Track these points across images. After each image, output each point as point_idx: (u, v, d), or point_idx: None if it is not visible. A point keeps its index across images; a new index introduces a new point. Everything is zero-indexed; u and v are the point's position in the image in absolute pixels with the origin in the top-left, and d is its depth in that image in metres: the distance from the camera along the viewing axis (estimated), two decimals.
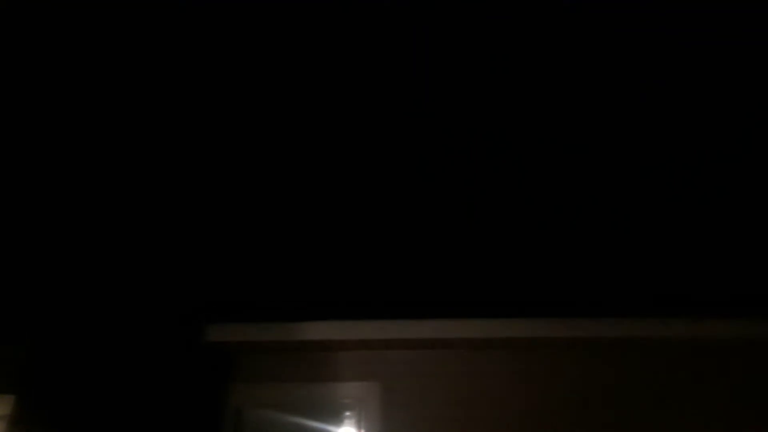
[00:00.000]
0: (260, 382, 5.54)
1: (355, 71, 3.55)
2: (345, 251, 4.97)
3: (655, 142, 3.92)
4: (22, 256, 4.73)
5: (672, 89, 3.59)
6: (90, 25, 3.35)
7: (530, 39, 3.37)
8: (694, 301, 5.44)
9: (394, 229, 4.72)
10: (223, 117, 3.83)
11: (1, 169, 4.02)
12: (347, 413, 5.46)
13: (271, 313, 5.55)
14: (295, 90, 3.68)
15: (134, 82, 3.62)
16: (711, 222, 4.59)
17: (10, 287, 4.76)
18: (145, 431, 4.97)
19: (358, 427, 5.37)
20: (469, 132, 3.89)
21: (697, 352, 5.56)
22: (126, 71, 3.56)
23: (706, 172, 4.13)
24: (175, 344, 5.45)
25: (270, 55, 3.47)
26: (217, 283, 5.31)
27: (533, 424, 5.34)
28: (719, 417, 5.32)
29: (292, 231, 4.75)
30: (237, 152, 4.06)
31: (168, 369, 5.32)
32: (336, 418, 5.47)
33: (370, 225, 4.67)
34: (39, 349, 4.93)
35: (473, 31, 3.33)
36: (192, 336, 5.51)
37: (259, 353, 5.59)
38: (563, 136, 3.92)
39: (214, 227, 4.69)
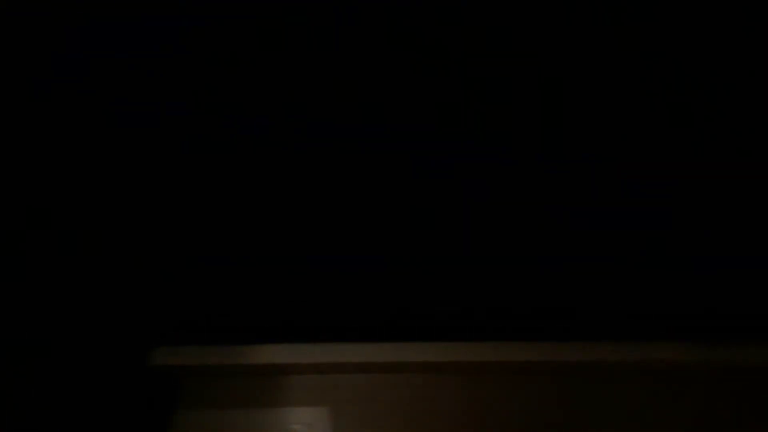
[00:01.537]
0: (207, 408, 5.35)
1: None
2: (295, 271, 4.85)
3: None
4: None
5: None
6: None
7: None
8: (664, 325, 5.35)
9: (346, 249, 4.62)
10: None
11: None
12: None
13: (219, 335, 5.39)
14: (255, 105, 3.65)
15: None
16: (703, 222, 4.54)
17: None
18: None
19: None
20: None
21: (669, 376, 5.45)
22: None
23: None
24: (117, 368, 5.27)
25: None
26: (162, 303, 5.15)
27: None
28: None
29: (241, 250, 4.63)
30: (185, 167, 3.97)
31: (111, 393, 5.13)
32: None
33: (322, 245, 4.57)
34: None
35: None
36: (136, 359, 5.34)
37: (206, 377, 5.40)
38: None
39: (159, 245, 4.56)
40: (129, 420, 5.28)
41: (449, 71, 3.55)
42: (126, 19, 3.33)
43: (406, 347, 5.76)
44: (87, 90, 3.58)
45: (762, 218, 4.48)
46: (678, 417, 5.61)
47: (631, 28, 3.34)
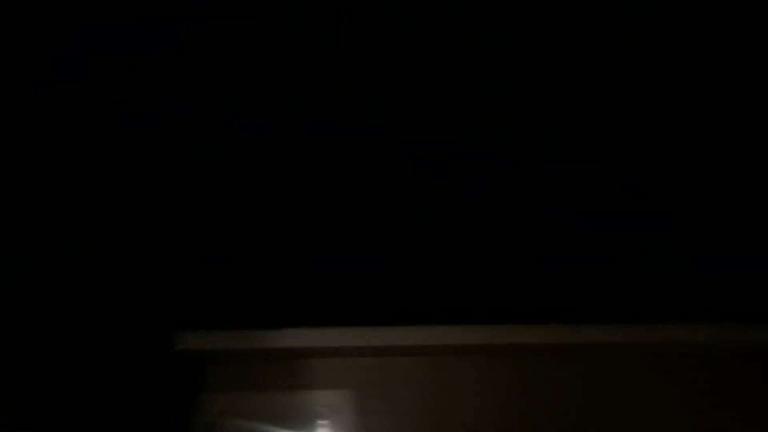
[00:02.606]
0: (232, 391, 5.42)
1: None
2: (319, 257, 4.86)
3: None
4: None
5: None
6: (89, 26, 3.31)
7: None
8: (682, 306, 5.29)
9: (368, 235, 4.61)
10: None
11: None
12: (321, 422, 5.34)
13: (244, 320, 5.44)
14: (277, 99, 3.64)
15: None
16: (701, 225, 4.47)
17: None
18: None
19: None
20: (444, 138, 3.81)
21: (681, 357, 5.41)
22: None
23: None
24: (146, 353, 5.35)
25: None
26: (189, 289, 5.20)
27: (509, 431, 5.21)
28: (711, 424, 5.18)
29: (265, 237, 4.65)
30: (206, 157, 3.98)
31: (138, 378, 5.22)
32: (310, 427, 5.35)
33: (344, 231, 4.57)
34: (3, 361, 4.85)
35: None
36: (163, 344, 5.40)
37: (231, 361, 5.46)
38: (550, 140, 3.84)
39: (186, 234, 4.59)
40: (157, 403, 5.36)
41: (449, 71, 3.50)
42: (126, 19, 3.31)
43: (427, 330, 5.75)
44: (87, 90, 3.58)
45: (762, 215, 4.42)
46: (689, 396, 5.60)
47: (631, 28, 3.25)
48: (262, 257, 4.88)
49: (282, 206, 4.38)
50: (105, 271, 4.94)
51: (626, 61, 3.41)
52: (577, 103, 3.65)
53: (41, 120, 3.75)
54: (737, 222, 4.52)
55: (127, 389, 5.11)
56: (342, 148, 3.95)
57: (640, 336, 5.40)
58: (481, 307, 5.28)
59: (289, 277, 5.08)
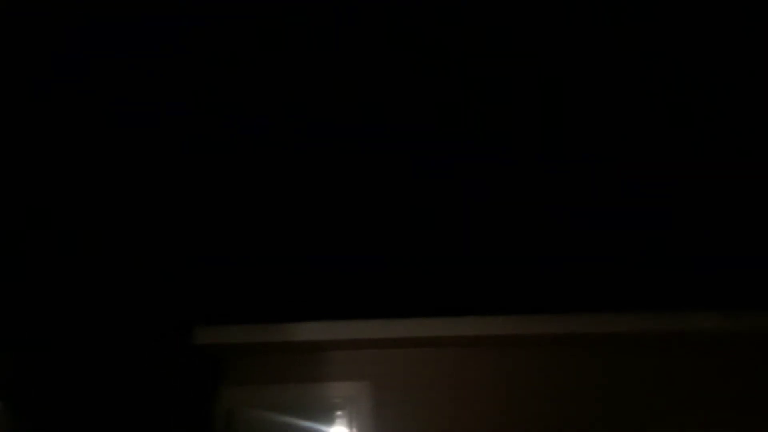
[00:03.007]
0: (251, 384, 5.46)
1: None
2: (334, 252, 4.87)
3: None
4: (9, 262, 4.71)
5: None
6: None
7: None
8: (688, 295, 5.25)
9: (383, 229, 4.62)
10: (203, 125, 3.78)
11: None
12: (338, 413, 5.36)
13: (261, 314, 5.46)
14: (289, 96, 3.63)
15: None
16: (704, 215, 4.43)
17: None
18: None
19: (350, 426, 5.28)
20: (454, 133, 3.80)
21: (693, 346, 5.37)
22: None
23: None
24: (165, 347, 5.39)
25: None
26: (207, 285, 5.24)
27: (524, 421, 5.20)
28: (719, 411, 5.15)
29: (281, 233, 4.66)
30: (221, 155, 4.00)
31: (158, 372, 5.26)
32: (327, 418, 5.37)
33: (360, 226, 4.58)
34: (26, 355, 4.90)
35: None
36: (182, 339, 5.44)
37: (249, 355, 5.49)
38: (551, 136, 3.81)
39: (204, 230, 4.62)
40: (177, 395, 5.41)
41: (449, 71, 3.47)
42: (126, 19, 3.31)
43: (441, 322, 5.73)
44: (87, 90, 3.59)
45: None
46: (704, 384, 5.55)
47: (631, 28, 3.20)
48: (277, 253, 4.89)
49: (294, 203, 4.39)
50: (127, 273, 4.98)
51: (626, 61, 3.37)
52: (577, 103, 3.60)
53: (41, 120, 3.76)
54: (741, 216, 4.48)
55: (148, 382, 5.15)
56: (342, 148, 3.94)
57: (650, 325, 5.36)
58: (495, 298, 5.27)
59: (305, 272, 5.09)
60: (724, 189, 4.23)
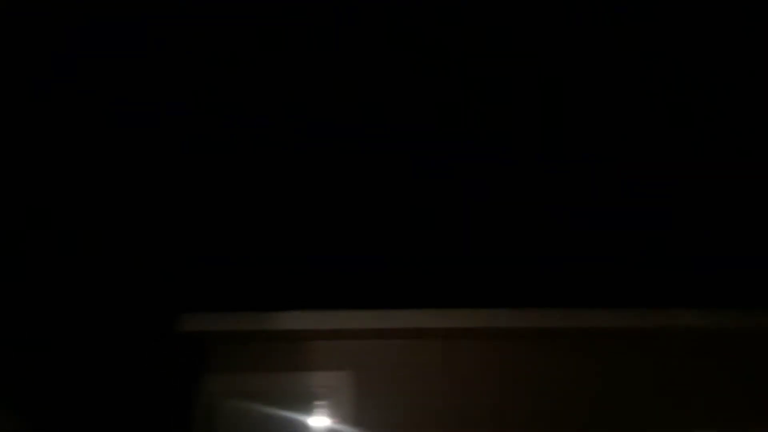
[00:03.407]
0: (234, 373, 5.52)
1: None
2: (319, 240, 4.88)
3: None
4: None
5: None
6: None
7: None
8: (690, 291, 5.34)
9: (368, 218, 4.64)
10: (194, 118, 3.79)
11: None
12: (320, 403, 5.43)
13: (245, 302, 5.49)
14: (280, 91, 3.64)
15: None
16: (705, 212, 4.51)
17: None
18: (118, 422, 4.95)
19: (331, 416, 5.34)
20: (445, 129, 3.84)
21: (692, 343, 5.49)
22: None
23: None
24: (149, 334, 5.41)
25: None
26: (191, 272, 5.24)
27: (510, 415, 5.29)
28: (719, 409, 5.26)
29: (265, 220, 4.67)
30: (210, 145, 4.01)
31: (141, 359, 5.28)
32: (309, 408, 5.43)
33: (345, 213, 4.59)
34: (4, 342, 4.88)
35: None
36: (165, 326, 5.46)
37: (231, 343, 5.55)
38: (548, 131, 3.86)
39: (188, 216, 4.61)
40: (159, 384, 5.43)
41: (449, 71, 3.50)
42: (126, 19, 3.30)
43: (424, 314, 5.80)
44: (87, 90, 3.58)
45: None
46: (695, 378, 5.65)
47: (631, 28, 3.25)
48: (262, 241, 4.90)
49: (282, 196, 4.40)
50: (107, 259, 4.97)
51: (626, 61, 3.41)
52: (577, 103, 3.65)
53: (41, 120, 3.75)
54: (743, 215, 4.56)
55: (130, 370, 5.17)
56: (342, 148, 3.97)
57: (646, 320, 5.47)
58: (481, 290, 5.32)
59: (289, 260, 5.10)
60: (723, 187, 4.30)
